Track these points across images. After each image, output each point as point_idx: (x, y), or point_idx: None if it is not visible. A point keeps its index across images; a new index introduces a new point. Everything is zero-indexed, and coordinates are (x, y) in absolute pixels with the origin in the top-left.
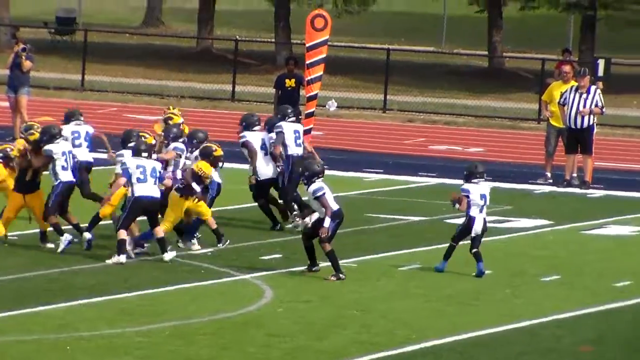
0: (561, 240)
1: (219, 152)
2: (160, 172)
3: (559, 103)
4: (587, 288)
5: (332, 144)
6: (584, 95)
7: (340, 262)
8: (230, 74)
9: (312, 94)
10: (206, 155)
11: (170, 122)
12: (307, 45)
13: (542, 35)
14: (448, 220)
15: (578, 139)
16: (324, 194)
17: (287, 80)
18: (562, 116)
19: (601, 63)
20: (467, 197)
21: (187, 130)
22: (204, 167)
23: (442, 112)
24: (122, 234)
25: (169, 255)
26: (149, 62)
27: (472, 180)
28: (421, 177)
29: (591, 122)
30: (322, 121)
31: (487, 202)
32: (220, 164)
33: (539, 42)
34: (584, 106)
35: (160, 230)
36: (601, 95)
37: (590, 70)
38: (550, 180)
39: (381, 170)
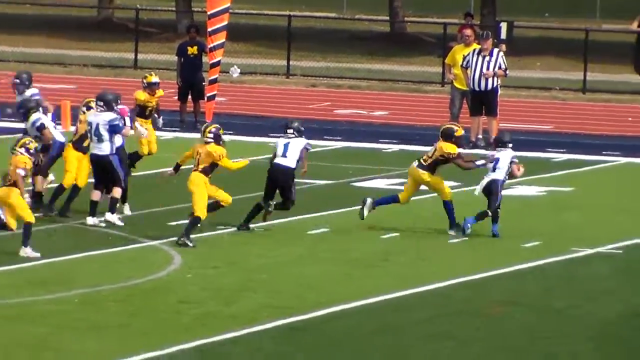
0: (468, 201)
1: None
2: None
3: (461, 66)
4: (496, 249)
5: (236, 110)
6: (487, 58)
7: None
8: (132, 42)
9: (214, 60)
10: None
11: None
12: (208, 13)
13: (444, 0)
14: (354, 184)
15: (482, 101)
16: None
17: (189, 48)
18: (466, 79)
19: (503, 26)
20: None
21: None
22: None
23: (345, 76)
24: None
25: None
26: (50, 31)
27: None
28: (327, 140)
29: (495, 84)
30: (226, 87)
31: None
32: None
33: (440, 6)
34: (488, 69)
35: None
36: (504, 57)
37: (493, 33)
38: None
39: None
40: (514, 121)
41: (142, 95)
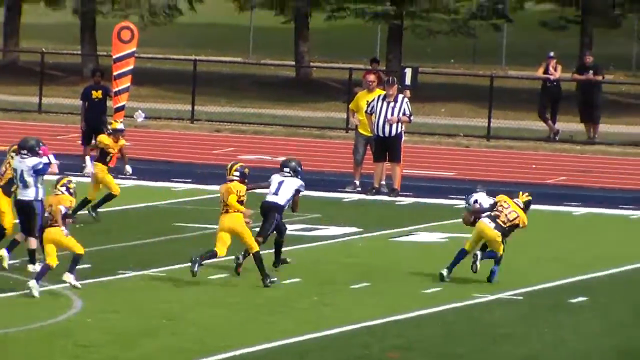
0: (370, 247)
1: None
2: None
3: (366, 112)
4: (396, 295)
5: (141, 155)
6: (392, 104)
7: (150, 271)
8: (37, 86)
9: (119, 105)
10: None
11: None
12: (113, 57)
13: (350, 45)
14: (257, 229)
15: (386, 147)
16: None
17: (93, 92)
18: (370, 124)
19: (408, 72)
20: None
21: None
22: None
23: (250, 122)
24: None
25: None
26: None
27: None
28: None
29: (399, 130)
30: (131, 132)
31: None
32: None
33: (346, 52)
34: (392, 114)
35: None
36: (409, 103)
37: (398, 79)
38: (359, 188)
39: (190, 180)
40: (417, 167)
41: (106, 139)
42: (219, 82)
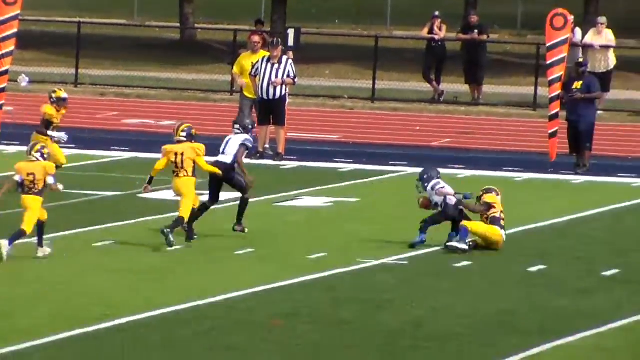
0: (255, 212)
1: None
2: None
3: (250, 74)
4: (281, 261)
5: (25, 120)
6: (276, 66)
7: (31, 239)
8: None
9: (3, 69)
10: None
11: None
12: None
13: (235, 7)
14: (141, 195)
15: (270, 110)
16: (248, 147)
17: None
18: (254, 87)
19: (291, 33)
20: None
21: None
22: None
23: (134, 85)
24: None
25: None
26: None
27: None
28: (114, 151)
29: (283, 93)
30: (14, 96)
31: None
32: None
33: (231, 13)
34: (276, 77)
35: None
36: (293, 65)
37: (282, 40)
38: None
39: (74, 146)
40: (302, 130)
41: (50, 109)
42: (104, 45)
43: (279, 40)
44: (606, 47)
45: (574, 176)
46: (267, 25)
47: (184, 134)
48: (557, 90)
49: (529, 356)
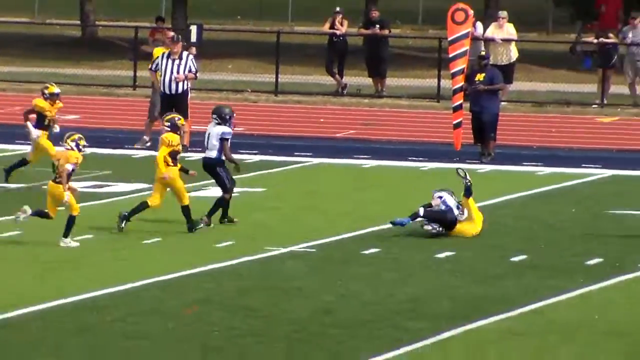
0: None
1: None
2: None
3: (150, 69)
4: (190, 249)
5: None
6: (177, 61)
7: None
8: None
9: None
10: None
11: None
12: None
13: (135, 4)
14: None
15: (173, 104)
16: (229, 138)
17: None
18: (156, 82)
19: (193, 29)
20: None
21: None
22: None
23: (37, 81)
24: None
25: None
26: None
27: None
28: (19, 145)
29: (185, 87)
30: None
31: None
32: None
33: (131, 10)
34: (178, 72)
35: None
36: (194, 60)
37: (183, 37)
38: (149, 144)
39: None
40: (206, 124)
41: (42, 102)
42: (6, 43)
43: (179, 36)
44: (507, 41)
45: (479, 165)
46: (168, 22)
47: (168, 124)
48: (459, 82)
49: (439, 340)
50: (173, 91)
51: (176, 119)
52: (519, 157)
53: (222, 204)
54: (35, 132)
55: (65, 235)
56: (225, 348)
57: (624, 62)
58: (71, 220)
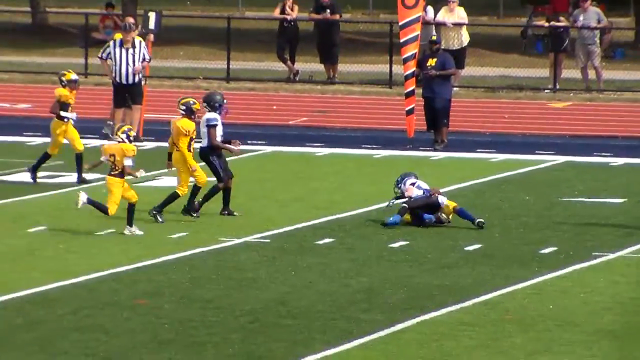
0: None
1: None
2: None
3: (100, 57)
4: (142, 241)
5: None
6: (130, 50)
7: None
8: None
9: None
10: None
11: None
12: None
13: None
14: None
15: (127, 93)
16: (215, 125)
17: None
18: (107, 71)
19: (152, 15)
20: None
21: None
22: None
23: None
24: None
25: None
26: None
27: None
28: None
29: (141, 76)
30: None
31: None
32: None
33: None
34: (133, 61)
35: None
36: (146, 47)
37: (136, 24)
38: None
39: None
40: (159, 111)
41: (64, 91)
42: None
43: (132, 24)
44: (459, 25)
45: (432, 152)
46: (118, 8)
47: (183, 107)
48: (411, 68)
49: (393, 332)
50: (130, 81)
51: (191, 102)
52: (472, 144)
53: (214, 192)
54: (72, 115)
55: (130, 224)
56: (179, 340)
57: (575, 46)
58: (132, 209)
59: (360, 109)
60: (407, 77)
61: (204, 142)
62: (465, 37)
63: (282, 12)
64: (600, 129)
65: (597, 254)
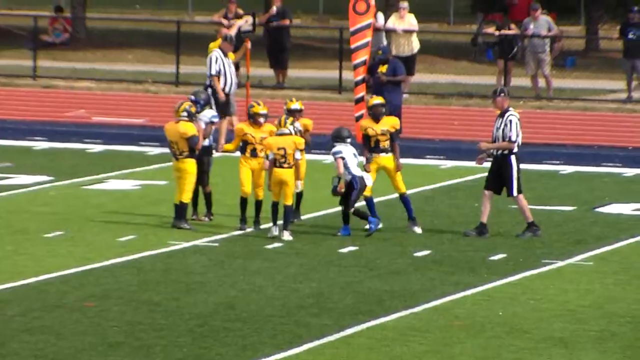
0: (62, 196)
1: None
2: None
3: (216, 74)
4: (91, 244)
5: None
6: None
7: None
8: None
9: None
10: None
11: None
12: None
13: None
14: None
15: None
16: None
17: None
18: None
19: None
20: (343, 158)
21: None
22: None
23: None
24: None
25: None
26: None
27: (342, 142)
28: None
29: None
30: None
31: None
32: None
33: None
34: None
35: None
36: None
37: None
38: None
39: None
40: (107, 114)
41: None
42: None
43: (232, 35)
44: (409, 32)
45: None
46: (67, 11)
47: (185, 113)
48: (362, 74)
49: (343, 337)
50: (232, 90)
51: (188, 107)
52: (421, 150)
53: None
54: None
55: (286, 228)
56: (128, 342)
57: (525, 54)
58: (289, 210)
59: (309, 114)
60: (357, 83)
61: (205, 142)
62: (415, 44)
63: (225, 17)
64: (549, 137)
65: (546, 261)
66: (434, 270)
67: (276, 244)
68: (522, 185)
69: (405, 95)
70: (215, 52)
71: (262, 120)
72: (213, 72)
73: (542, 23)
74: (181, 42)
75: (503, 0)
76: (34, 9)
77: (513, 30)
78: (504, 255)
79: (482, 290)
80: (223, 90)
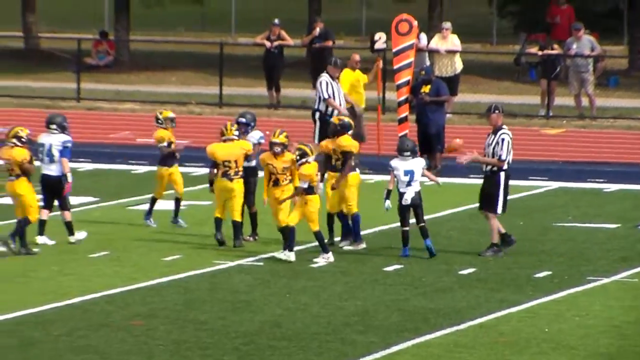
0: (108, 216)
1: None
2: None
3: (330, 97)
4: (137, 264)
5: None
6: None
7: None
8: None
9: None
10: None
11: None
12: None
13: (77, 16)
14: None
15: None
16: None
17: None
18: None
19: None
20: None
21: None
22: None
23: None
24: None
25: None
26: None
27: (400, 156)
28: None
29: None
30: None
31: (415, 177)
32: None
33: (73, 22)
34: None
35: None
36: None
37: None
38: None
39: None
40: (150, 136)
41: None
42: None
43: (340, 60)
44: (452, 52)
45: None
46: (111, 34)
47: (236, 132)
48: (404, 94)
49: (389, 354)
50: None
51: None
52: (465, 170)
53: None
54: (181, 144)
55: (291, 249)
56: None
57: (568, 73)
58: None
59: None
60: (400, 104)
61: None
62: (458, 64)
63: (268, 39)
64: (593, 155)
65: (591, 278)
66: (479, 287)
67: (321, 263)
68: (507, 205)
69: (448, 115)
70: (324, 77)
71: (277, 149)
72: (325, 96)
73: (585, 43)
74: (224, 64)
75: (546, 20)
76: (78, 32)
77: (556, 50)
78: (549, 272)
79: (527, 308)
80: (332, 114)
